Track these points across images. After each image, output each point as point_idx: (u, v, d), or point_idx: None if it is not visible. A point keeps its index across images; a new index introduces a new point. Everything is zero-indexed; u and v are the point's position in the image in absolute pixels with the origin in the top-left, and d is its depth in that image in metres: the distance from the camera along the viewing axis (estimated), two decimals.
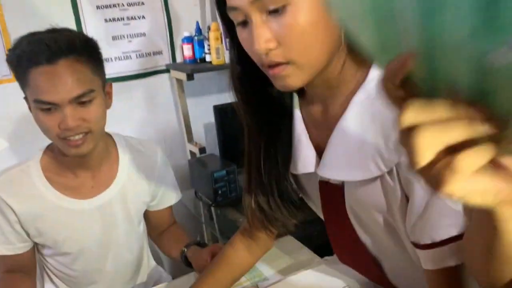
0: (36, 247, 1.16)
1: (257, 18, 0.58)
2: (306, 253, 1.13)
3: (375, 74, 0.64)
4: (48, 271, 1.20)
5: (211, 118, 1.87)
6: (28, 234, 1.10)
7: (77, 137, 0.97)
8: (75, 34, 1.00)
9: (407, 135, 0.29)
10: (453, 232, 0.59)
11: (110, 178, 1.14)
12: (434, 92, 0.29)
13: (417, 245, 0.63)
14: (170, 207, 1.32)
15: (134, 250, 1.24)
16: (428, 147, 0.29)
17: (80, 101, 0.96)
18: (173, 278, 1.21)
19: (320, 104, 0.72)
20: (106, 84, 1.07)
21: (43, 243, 1.12)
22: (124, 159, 1.17)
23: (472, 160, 0.28)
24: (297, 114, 0.75)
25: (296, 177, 0.79)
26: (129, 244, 1.22)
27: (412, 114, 0.29)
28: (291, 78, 0.62)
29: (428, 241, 0.61)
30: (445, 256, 0.60)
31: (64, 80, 0.93)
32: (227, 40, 0.75)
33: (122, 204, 1.16)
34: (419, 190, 0.60)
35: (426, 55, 0.28)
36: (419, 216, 0.61)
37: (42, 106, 0.95)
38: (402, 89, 0.30)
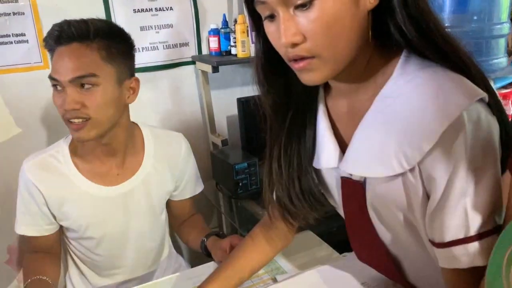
0: (61, 230, 1.20)
1: (284, 12, 0.59)
2: (325, 249, 1.13)
3: (401, 70, 0.63)
4: (73, 255, 1.24)
5: (234, 110, 1.88)
6: (54, 217, 1.13)
7: (76, 120, 1.00)
8: (95, 22, 1.02)
9: None
10: (460, 234, 0.59)
11: (136, 166, 1.17)
12: None
13: (432, 243, 0.64)
14: (192, 198, 1.34)
15: (156, 238, 1.27)
16: None
17: (81, 83, 0.99)
18: (192, 267, 1.22)
19: (345, 99, 0.72)
20: (130, 78, 1.08)
21: (68, 226, 1.15)
22: (150, 148, 1.19)
23: None
24: (322, 108, 0.75)
25: (317, 171, 0.79)
26: (151, 232, 1.24)
27: None
28: (316, 72, 0.62)
29: (438, 240, 0.62)
30: (455, 257, 0.60)
31: (69, 60, 0.98)
32: (253, 33, 0.75)
33: (145, 193, 1.18)
34: (439, 189, 0.59)
35: None
36: (434, 214, 0.61)
37: (51, 83, 1.01)
38: None
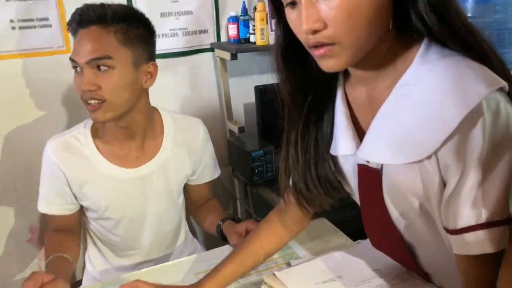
0: (82, 210, 1.23)
1: None
2: (339, 237, 1.14)
3: (421, 58, 0.63)
4: (92, 235, 1.28)
5: (251, 98, 1.89)
6: (75, 197, 1.17)
7: (92, 102, 1.03)
8: (114, 7, 1.05)
9: None
10: (472, 221, 0.60)
11: (155, 150, 1.19)
12: None
13: (446, 230, 0.65)
14: (209, 183, 1.36)
15: (173, 221, 1.30)
16: None
17: (97, 65, 1.01)
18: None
19: (364, 86, 0.72)
20: (147, 63, 1.10)
21: (88, 206, 1.19)
22: (169, 133, 1.21)
23: None
24: (341, 95, 0.76)
25: (334, 158, 0.80)
26: (168, 215, 1.27)
27: None
28: (336, 59, 0.63)
29: (452, 227, 0.63)
30: (467, 243, 0.61)
31: (87, 42, 1.01)
32: (273, 20, 0.76)
33: (163, 176, 1.21)
34: (455, 176, 0.60)
35: None
36: (449, 202, 0.62)
37: (72, 65, 1.04)
38: None
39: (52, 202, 1.17)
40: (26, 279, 0.92)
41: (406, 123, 0.64)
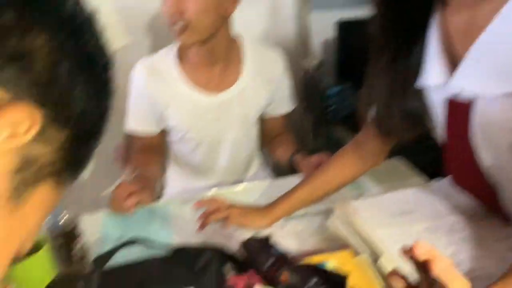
0: (164, 132, 1.30)
1: None
2: (416, 176, 1.11)
3: None
4: (173, 156, 1.35)
5: (331, 33, 1.83)
6: (159, 118, 1.23)
7: (178, 25, 1.07)
8: None
9: None
10: None
11: (235, 77, 1.21)
12: None
13: None
14: (284, 115, 1.37)
15: (247, 149, 1.34)
16: None
17: None
18: None
19: (466, 12, 0.66)
20: None
21: (171, 128, 1.25)
22: (249, 61, 1.23)
23: None
24: (436, 22, 0.71)
25: (421, 91, 0.76)
26: (243, 142, 1.31)
27: None
28: None
29: None
30: None
31: None
32: None
33: (241, 104, 1.24)
34: None
35: None
36: None
37: None
38: None
39: (138, 122, 1.24)
40: (115, 188, 1.00)
41: (509, 50, 0.59)
